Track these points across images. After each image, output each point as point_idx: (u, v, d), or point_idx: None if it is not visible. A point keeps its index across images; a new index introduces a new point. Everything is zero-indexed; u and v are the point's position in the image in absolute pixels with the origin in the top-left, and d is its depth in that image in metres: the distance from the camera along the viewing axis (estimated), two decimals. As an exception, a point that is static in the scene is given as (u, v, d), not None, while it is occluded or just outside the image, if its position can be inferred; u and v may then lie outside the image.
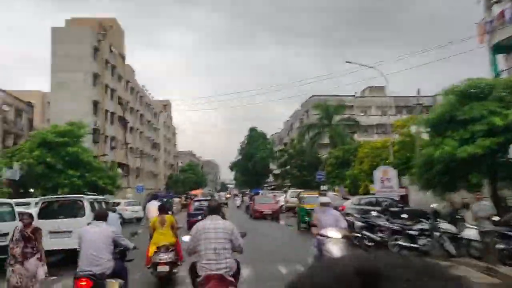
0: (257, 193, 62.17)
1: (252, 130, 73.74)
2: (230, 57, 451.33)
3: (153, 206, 13.91)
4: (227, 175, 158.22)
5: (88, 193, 22.24)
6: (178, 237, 9.15)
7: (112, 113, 50.17)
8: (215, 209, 5.72)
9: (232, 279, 5.24)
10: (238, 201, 36.91)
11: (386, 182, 22.05)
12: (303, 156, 44.72)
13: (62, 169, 21.87)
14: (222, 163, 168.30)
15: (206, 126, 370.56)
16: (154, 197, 16.72)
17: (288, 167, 46.66)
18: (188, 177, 73.76)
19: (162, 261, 8.46)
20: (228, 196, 57.78)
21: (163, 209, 9.87)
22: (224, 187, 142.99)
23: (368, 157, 25.62)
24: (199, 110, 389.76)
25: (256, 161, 69.46)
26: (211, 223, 5.40)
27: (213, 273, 5.10)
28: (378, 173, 22.18)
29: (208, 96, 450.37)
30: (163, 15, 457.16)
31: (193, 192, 55.85)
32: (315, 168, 44.23)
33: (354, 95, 61.20)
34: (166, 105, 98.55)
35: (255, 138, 71.76)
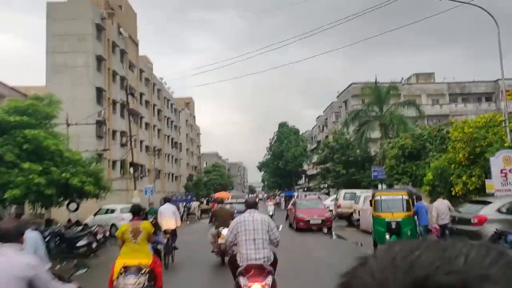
0: (290, 196, 54.64)
1: (282, 125, 65.68)
2: (255, 59, 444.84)
3: (166, 211, 12.38)
4: (255, 178, 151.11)
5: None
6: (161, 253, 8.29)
7: (122, 105, 43.40)
8: (253, 204, 6.12)
9: (271, 268, 5.49)
10: (270, 208, 27.90)
11: (510, 175, 14.00)
12: (348, 151, 36.67)
13: (14, 161, 14.63)
14: (249, 166, 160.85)
15: (233, 128, 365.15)
16: (166, 200, 13.45)
17: (329, 164, 38.56)
18: (212, 179, 66.30)
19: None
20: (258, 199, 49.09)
21: (137, 213, 7.23)
22: (252, 191, 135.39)
23: (462, 141, 17.47)
24: (225, 113, 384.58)
25: (287, 160, 61.44)
26: (250, 216, 5.78)
27: (253, 263, 5.40)
28: (497, 162, 14.11)
29: (233, 96, 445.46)
30: (188, 20, 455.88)
31: (218, 195, 48.35)
32: (362, 164, 36.15)
33: (401, 82, 52.47)
34: (188, 103, 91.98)
35: (285, 134, 63.76)
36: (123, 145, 42.74)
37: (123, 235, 6.68)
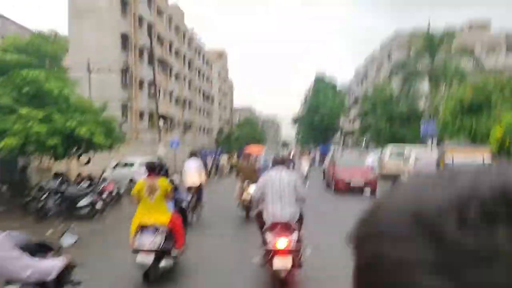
0: (325, 153, 51.81)
1: (319, 78, 61.94)
2: (292, 11, 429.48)
3: (190, 167, 11.49)
4: (289, 133, 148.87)
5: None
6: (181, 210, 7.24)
7: (151, 53, 41.14)
8: (280, 161, 6.10)
9: (296, 225, 5.56)
10: (305, 166, 22.16)
11: None
12: (391, 105, 33.37)
13: (11, 106, 12.73)
14: (284, 120, 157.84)
15: (268, 81, 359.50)
16: (192, 154, 12.18)
17: (369, 118, 35.43)
18: (245, 132, 64.04)
19: (144, 248, 5.83)
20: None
21: (152, 169, 6.57)
22: (285, 145, 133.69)
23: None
24: (259, 65, 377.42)
25: (323, 115, 58.25)
26: (277, 173, 5.77)
27: (279, 220, 5.46)
28: None
29: (269, 44, 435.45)
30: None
31: (250, 149, 46.36)
32: (407, 120, 32.83)
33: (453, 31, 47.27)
34: (221, 55, 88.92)
35: (322, 87, 60.12)
36: (151, 95, 40.86)
37: (139, 193, 6.31)
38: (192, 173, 11.37)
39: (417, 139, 29.95)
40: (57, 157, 14.50)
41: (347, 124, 69.04)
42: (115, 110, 29.19)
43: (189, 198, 9.97)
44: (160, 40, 44.33)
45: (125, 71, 34.52)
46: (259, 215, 6.01)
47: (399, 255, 0.35)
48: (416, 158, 16.39)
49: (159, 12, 45.22)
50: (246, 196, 10.97)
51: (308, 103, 62.78)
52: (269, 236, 5.42)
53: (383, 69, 51.85)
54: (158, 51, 43.10)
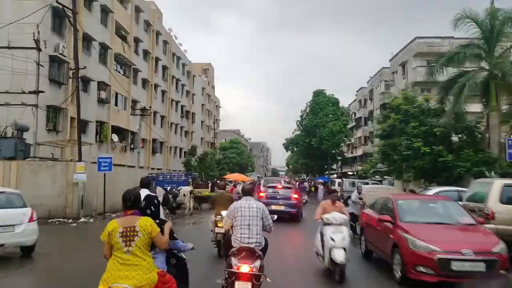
0: (325, 183, 41.95)
1: (318, 93, 52.24)
2: (283, 43, 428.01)
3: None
4: (279, 161, 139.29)
5: None
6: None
7: (103, 46, 31.32)
8: (249, 192, 6.37)
9: (261, 253, 5.69)
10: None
11: None
12: (428, 118, 23.83)
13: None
14: (273, 148, 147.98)
15: (257, 111, 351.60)
16: (145, 182, 7.37)
17: (392, 139, 25.61)
18: (228, 156, 53.73)
19: None
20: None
21: (131, 201, 4.23)
22: (275, 174, 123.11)
23: None
24: (249, 94, 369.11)
25: (322, 137, 48.38)
26: (246, 203, 6.03)
27: (245, 246, 5.66)
28: None
29: (259, 79, 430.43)
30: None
31: (230, 177, 35.98)
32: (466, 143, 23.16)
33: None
34: (207, 69, 79.62)
35: (321, 104, 50.51)
36: (101, 101, 30.77)
37: (110, 239, 4.01)
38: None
39: (477, 168, 20.28)
40: None
41: (349, 151, 59.31)
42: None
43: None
44: (120, 31, 34.68)
45: (55, 60, 24.57)
46: (228, 240, 6.16)
47: None
48: None
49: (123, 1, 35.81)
50: (218, 230, 9.81)
51: (304, 123, 52.97)
52: (234, 261, 5.55)
53: (395, 86, 42.53)
54: (114, 43, 33.30)
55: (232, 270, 5.43)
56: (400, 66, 45.78)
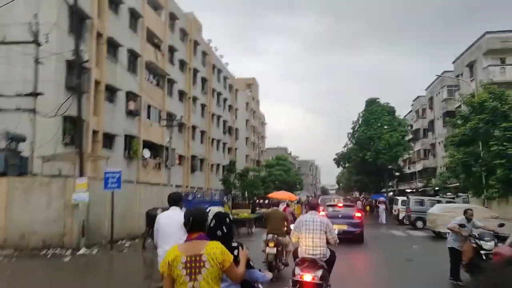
0: (383, 201, 36.55)
1: (372, 102, 47.28)
2: (332, 63, 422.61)
3: (167, 223, 5.70)
4: (328, 180, 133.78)
5: None
6: None
7: (132, 52, 28.59)
8: (314, 207, 6.94)
9: (323, 263, 6.05)
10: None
11: None
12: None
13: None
14: (322, 166, 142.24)
15: (306, 128, 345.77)
16: (175, 200, 5.87)
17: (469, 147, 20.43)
18: (274, 174, 49.61)
19: None
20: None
21: (197, 223, 3.24)
22: (324, 192, 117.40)
23: None
24: (297, 114, 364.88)
25: (378, 151, 43.22)
26: (311, 217, 6.52)
27: (308, 256, 6.13)
28: None
29: (308, 97, 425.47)
30: (266, 23, 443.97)
31: (275, 196, 31.79)
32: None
33: None
34: (251, 84, 76.67)
35: (376, 114, 45.50)
36: (130, 113, 27.85)
37: (171, 271, 3.11)
38: (169, 234, 5.49)
39: None
40: None
41: (410, 166, 53.42)
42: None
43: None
44: (154, 40, 31.98)
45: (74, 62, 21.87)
46: (295, 251, 6.70)
47: None
48: None
49: (157, 8, 33.28)
50: (269, 250, 9.24)
51: (357, 136, 48.00)
52: (297, 270, 5.93)
53: (460, 90, 36.86)
54: (147, 53, 30.56)
55: (295, 278, 5.91)
56: (467, 67, 40.09)
